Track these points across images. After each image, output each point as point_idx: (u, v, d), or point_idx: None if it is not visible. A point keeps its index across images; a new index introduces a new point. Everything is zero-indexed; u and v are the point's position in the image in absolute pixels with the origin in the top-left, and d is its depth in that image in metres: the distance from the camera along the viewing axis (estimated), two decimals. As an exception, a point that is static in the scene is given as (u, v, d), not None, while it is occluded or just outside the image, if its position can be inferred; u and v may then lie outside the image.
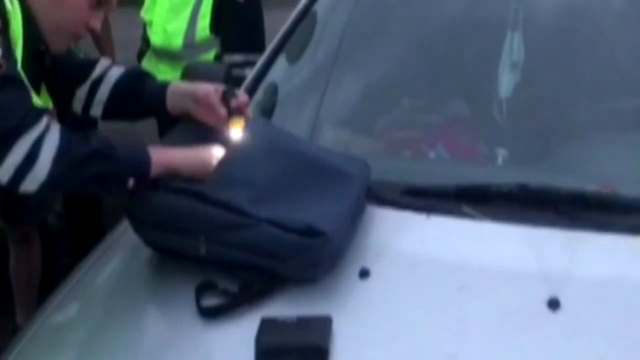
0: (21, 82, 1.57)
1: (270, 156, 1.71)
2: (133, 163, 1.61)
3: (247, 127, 1.77)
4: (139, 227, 1.69)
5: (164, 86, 1.85)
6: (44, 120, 1.53)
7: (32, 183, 1.50)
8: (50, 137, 1.52)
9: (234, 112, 1.76)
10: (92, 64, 1.88)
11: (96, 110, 1.87)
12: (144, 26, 3.31)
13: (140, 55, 3.34)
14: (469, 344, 1.41)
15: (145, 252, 1.72)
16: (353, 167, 1.77)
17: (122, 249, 1.82)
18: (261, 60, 2.45)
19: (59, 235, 3.13)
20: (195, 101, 1.78)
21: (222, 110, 1.76)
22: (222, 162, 1.68)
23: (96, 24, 1.75)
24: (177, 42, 3.10)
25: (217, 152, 1.69)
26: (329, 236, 1.55)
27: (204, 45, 3.10)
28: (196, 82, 1.88)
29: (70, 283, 1.76)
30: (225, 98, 1.77)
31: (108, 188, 1.62)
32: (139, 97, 1.85)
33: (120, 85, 1.86)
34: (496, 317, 1.46)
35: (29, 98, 1.58)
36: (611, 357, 1.38)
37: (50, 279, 2.85)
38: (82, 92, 1.85)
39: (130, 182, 1.60)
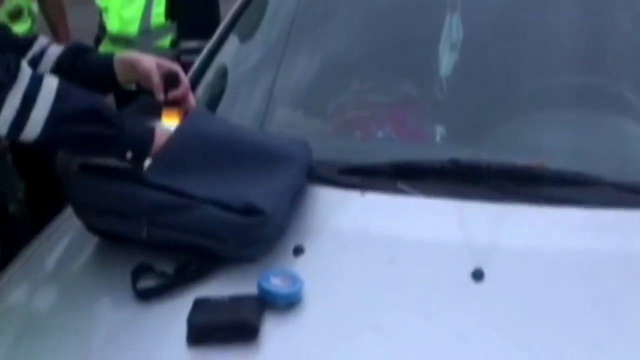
0: None
1: (211, 141, 1.73)
2: (135, 138, 1.66)
3: (188, 114, 1.80)
4: (81, 212, 1.72)
5: (109, 57, 1.87)
6: (27, 70, 1.59)
7: (31, 130, 1.56)
8: (45, 86, 1.57)
9: (169, 102, 1.80)
10: (29, 41, 1.88)
11: None
12: (100, 13, 3.34)
13: (97, 42, 3.36)
14: (395, 315, 1.46)
15: (88, 237, 1.75)
16: (293, 148, 1.80)
17: (66, 234, 1.85)
18: (210, 42, 2.47)
19: (20, 223, 3.14)
20: (137, 72, 1.81)
21: (161, 95, 1.80)
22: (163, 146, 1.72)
23: None
24: (133, 28, 3.13)
25: None
26: (268, 214, 1.58)
27: (160, 32, 3.13)
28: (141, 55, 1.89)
29: (13, 268, 1.79)
30: (167, 81, 1.80)
31: (104, 151, 1.66)
32: (84, 71, 1.85)
33: (62, 62, 1.85)
34: (422, 288, 1.51)
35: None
36: (530, 325, 1.42)
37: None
38: None
39: (129, 154, 1.64)
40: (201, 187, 1.64)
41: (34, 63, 1.84)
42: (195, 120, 1.78)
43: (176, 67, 1.85)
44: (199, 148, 1.72)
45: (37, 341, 1.56)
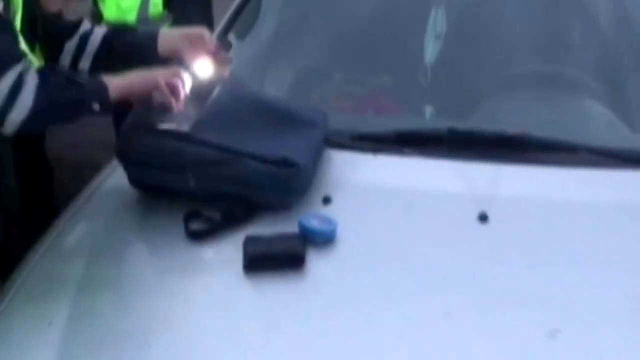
0: (9, 27, 1.79)
1: (247, 104, 1.99)
2: (95, 90, 1.82)
3: (223, 83, 2.05)
4: (131, 168, 1.93)
5: (153, 32, 2.10)
6: (24, 60, 1.77)
7: (19, 112, 1.70)
8: (31, 70, 1.76)
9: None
10: (78, 22, 2.10)
11: (85, 62, 2.07)
12: (94, 1, 3.49)
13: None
14: (418, 249, 1.75)
15: (126, 199, 1.96)
16: (315, 115, 2.07)
17: (98, 203, 2.02)
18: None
19: (12, 212, 3.21)
20: (187, 41, 2.04)
21: (211, 45, 2.03)
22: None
23: None
24: (131, 17, 3.29)
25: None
26: (301, 166, 1.84)
27: (157, 21, 3.31)
28: None
29: (54, 233, 1.92)
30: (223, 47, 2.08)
31: (79, 113, 1.83)
32: (129, 45, 2.08)
33: (109, 37, 2.08)
34: (438, 228, 1.80)
35: (16, 42, 1.79)
36: (530, 255, 1.74)
37: (5, 255, 2.92)
38: (71, 46, 2.06)
39: (96, 106, 1.81)
40: (240, 143, 1.88)
41: (82, 42, 2.07)
42: (231, 86, 2.04)
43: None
44: (236, 110, 1.97)
45: (102, 287, 1.74)
